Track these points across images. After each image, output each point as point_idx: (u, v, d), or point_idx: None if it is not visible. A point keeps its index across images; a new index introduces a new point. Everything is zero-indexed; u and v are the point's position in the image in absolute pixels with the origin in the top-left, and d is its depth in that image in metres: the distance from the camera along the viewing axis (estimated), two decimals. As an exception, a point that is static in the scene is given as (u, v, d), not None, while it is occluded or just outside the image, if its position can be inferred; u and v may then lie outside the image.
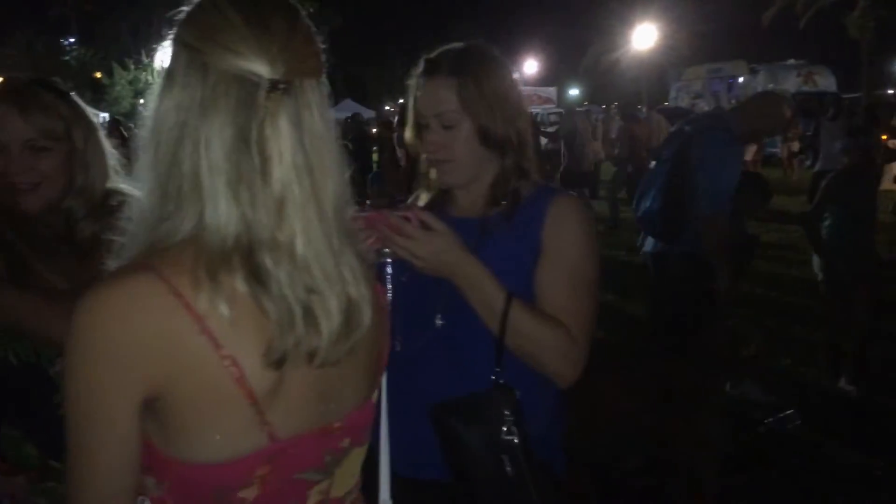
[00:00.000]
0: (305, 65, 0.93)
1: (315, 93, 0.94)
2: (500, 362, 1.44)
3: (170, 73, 0.92)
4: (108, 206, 1.53)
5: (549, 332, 1.47)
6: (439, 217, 1.42)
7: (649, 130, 11.05)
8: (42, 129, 1.51)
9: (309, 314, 0.91)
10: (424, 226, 1.38)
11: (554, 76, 32.07)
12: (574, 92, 32.03)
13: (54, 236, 1.52)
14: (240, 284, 0.88)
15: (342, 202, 0.96)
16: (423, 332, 1.52)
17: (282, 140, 0.89)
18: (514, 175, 1.58)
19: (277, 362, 0.89)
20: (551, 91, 29.31)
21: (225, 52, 0.89)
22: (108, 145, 1.64)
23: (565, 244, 1.54)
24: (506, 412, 1.39)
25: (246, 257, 0.88)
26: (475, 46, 1.61)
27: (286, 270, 0.90)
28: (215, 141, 0.88)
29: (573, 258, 1.54)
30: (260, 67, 0.89)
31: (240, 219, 0.88)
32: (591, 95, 28.90)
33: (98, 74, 27.28)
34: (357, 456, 1.07)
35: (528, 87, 30.29)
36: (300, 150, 0.90)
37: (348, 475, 1.06)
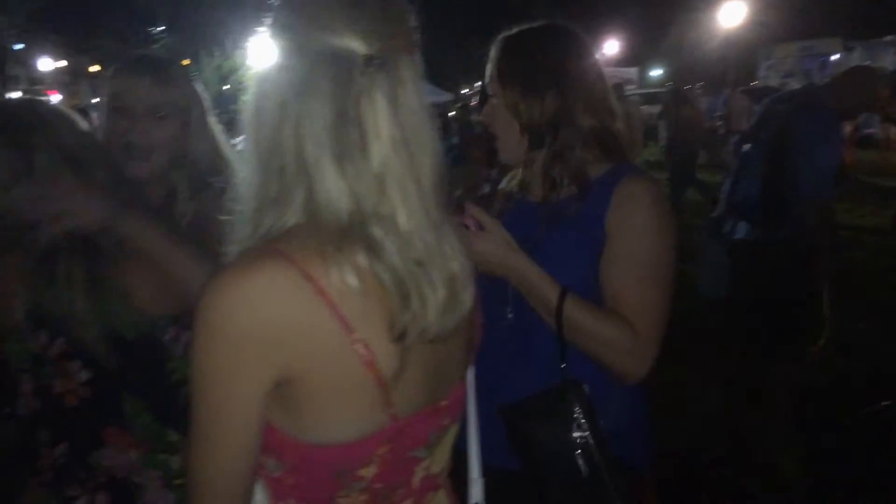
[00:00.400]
0: (399, 41, 0.94)
1: (409, 69, 0.95)
2: (564, 358, 1.40)
3: (268, 57, 0.94)
4: (210, 184, 1.64)
5: (607, 329, 1.41)
6: (519, 202, 1.40)
7: (700, 113, 10.85)
8: (167, 99, 1.66)
9: (418, 287, 0.92)
10: (480, 225, 1.37)
11: (636, 56, 31.26)
12: (657, 72, 31.20)
13: (155, 206, 1.59)
14: (361, 259, 0.89)
15: (439, 177, 0.96)
16: (494, 323, 1.52)
17: (378, 115, 0.90)
18: (557, 154, 1.51)
19: (400, 337, 0.90)
20: (632, 72, 28.63)
21: (320, 30, 0.90)
22: (217, 127, 1.76)
23: (630, 232, 1.45)
24: (576, 409, 1.35)
25: (361, 231, 0.90)
26: (543, 23, 1.58)
27: (393, 242, 0.91)
28: (316, 118, 0.89)
29: (639, 247, 1.45)
30: (354, 44, 0.90)
31: (348, 193, 0.89)
32: (675, 75, 28.06)
33: (186, 62, 28.09)
34: (453, 433, 1.10)
35: (609, 69, 29.62)
36: (396, 126, 0.91)
37: (445, 452, 1.09)
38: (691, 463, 3.45)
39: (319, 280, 0.88)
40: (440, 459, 1.08)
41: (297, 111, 0.90)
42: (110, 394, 1.35)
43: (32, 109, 1.45)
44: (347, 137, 0.89)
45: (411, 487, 1.04)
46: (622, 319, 1.42)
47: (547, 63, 1.51)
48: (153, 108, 1.64)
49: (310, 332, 0.88)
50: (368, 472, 0.97)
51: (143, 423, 1.36)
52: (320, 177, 0.90)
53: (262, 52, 0.95)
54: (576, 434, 1.34)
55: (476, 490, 1.25)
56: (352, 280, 0.89)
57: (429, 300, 0.93)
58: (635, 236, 1.45)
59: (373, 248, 0.90)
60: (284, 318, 0.87)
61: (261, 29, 0.96)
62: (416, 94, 0.95)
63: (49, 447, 1.36)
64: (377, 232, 0.90)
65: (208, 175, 1.70)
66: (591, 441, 1.34)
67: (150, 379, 1.38)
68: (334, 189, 0.89)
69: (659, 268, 1.46)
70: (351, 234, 0.90)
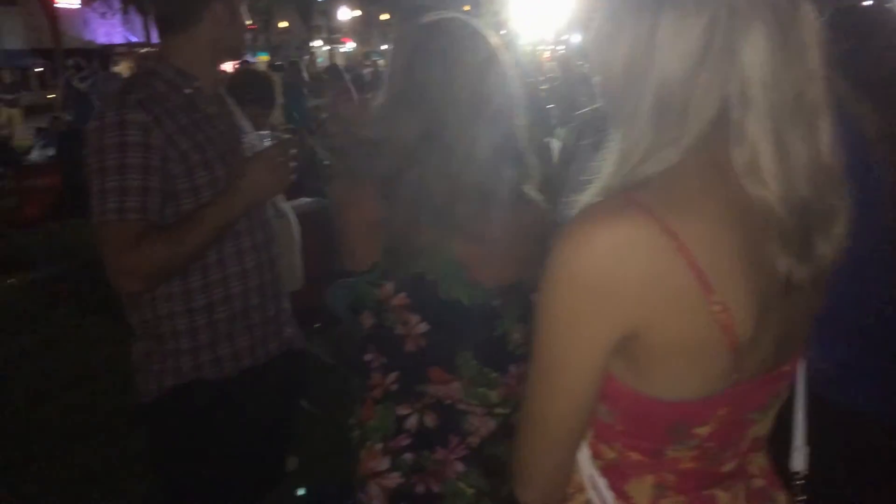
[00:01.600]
0: None
1: None
2: None
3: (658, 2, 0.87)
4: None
5: None
6: None
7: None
8: None
9: (803, 234, 0.84)
10: None
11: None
12: None
13: None
14: (730, 213, 0.84)
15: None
16: None
17: (815, 40, 0.83)
18: None
19: (763, 295, 0.85)
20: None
21: None
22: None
23: None
24: None
25: (744, 178, 0.84)
26: None
27: (782, 185, 0.84)
28: (754, 58, 0.82)
29: None
30: None
31: (759, 134, 0.83)
32: None
33: (467, 7, 29.17)
34: (783, 397, 1.04)
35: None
36: (820, 49, 0.84)
37: (772, 416, 1.03)
38: None
39: (681, 236, 0.82)
40: (769, 422, 1.03)
41: (721, 54, 0.83)
42: (444, 346, 1.45)
43: (445, 28, 1.45)
44: (788, 72, 0.82)
45: (740, 448, 1.00)
46: None
47: None
48: None
49: (666, 291, 0.83)
50: (704, 430, 0.93)
51: (468, 367, 1.46)
52: (738, 126, 0.83)
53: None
54: None
55: (799, 458, 1.18)
56: (717, 237, 0.83)
57: (806, 249, 0.85)
58: None
59: (751, 198, 0.84)
60: (641, 274, 0.83)
61: None
62: None
63: (381, 373, 1.49)
64: (767, 177, 0.83)
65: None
66: None
67: (480, 336, 1.46)
68: (755, 131, 0.83)
69: None
70: (727, 182, 0.84)
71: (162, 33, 1.85)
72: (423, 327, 1.44)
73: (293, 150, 1.85)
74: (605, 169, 0.92)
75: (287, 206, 2.44)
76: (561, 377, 0.92)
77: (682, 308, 0.84)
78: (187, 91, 1.79)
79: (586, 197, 0.93)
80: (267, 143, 1.80)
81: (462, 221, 1.40)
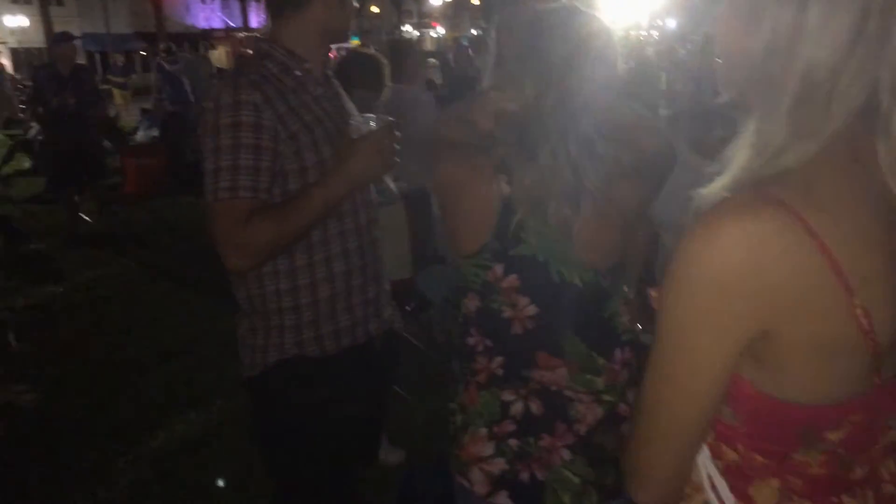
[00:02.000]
0: None
1: None
2: None
3: None
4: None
5: None
6: None
7: None
8: None
9: None
10: None
11: None
12: None
13: None
14: (874, 209, 0.80)
15: None
16: None
17: None
18: None
19: None
20: None
21: None
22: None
23: None
24: None
25: (888, 173, 0.80)
26: None
27: None
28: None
29: None
30: None
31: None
32: None
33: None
34: None
35: None
36: None
37: None
38: None
39: (821, 235, 0.79)
40: None
41: (878, 26, 0.78)
42: (552, 329, 1.43)
43: (553, 9, 1.44)
44: None
45: (872, 455, 0.95)
46: None
47: None
48: None
49: (804, 292, 0.80)
50: (835, 436, 0.89)
51: (576, 351, 1.44)
52: (887, 112, 0.80)
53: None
54: None
55: None
56: (858, 236, 0.79)
57: None
58: None
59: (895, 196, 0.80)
60: (778, 274, 0.80)
61: None
62: None
63: (486, 357, 1.48)
64: None
65: None
66: None
67: (589, 318, 1.44)
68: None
69: None
70: (870, 177, 0.80)
71: (273, 16, 1.88)
72: (531, 310, 1.42)
73: (398, 133, 1.86)
74: (736, 161, 0.87)
75: (397, 194, 2.44)
76: (686, 379, 0.88)
77: (821, 310, 0.80)
78: (297, 73, 1.81)
79: (713, 191, 0.88)
80: (372, 125, 1.81)
81: (571, 198, 1.37)
